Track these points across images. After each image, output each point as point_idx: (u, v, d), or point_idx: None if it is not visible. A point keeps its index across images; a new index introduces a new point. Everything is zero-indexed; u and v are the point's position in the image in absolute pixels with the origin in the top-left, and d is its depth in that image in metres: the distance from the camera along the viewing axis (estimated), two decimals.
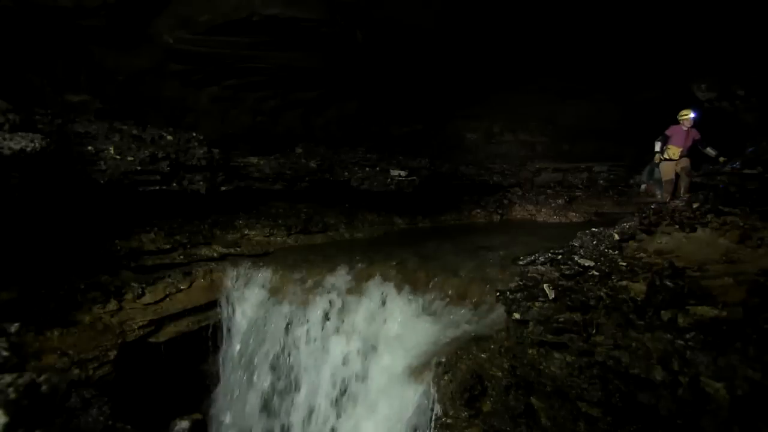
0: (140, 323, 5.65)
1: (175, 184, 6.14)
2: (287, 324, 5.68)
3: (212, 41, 6.47)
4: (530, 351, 3.31)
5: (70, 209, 5.43)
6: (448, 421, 3.51)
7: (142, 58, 6.63)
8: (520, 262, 4.62)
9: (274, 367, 5.65)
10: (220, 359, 6.27)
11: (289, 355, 5.56)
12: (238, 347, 6.09)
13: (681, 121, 6.56)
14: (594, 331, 3.01)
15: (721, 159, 6.13)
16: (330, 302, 5.53)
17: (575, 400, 2.88)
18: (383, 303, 5.24)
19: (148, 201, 6.18)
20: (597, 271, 3.68)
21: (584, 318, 3.11)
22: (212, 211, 7.29)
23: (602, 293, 3.25)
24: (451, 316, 4.70)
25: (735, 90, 6.23)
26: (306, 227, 8.00)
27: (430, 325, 4.70)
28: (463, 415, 3.45)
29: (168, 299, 6.03)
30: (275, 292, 6.07)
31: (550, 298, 3.42)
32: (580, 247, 4.33)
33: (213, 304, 6.37)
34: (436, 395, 3.71)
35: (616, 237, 4.33)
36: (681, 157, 6.56)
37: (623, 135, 9.42)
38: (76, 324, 5.09)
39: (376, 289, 5.42)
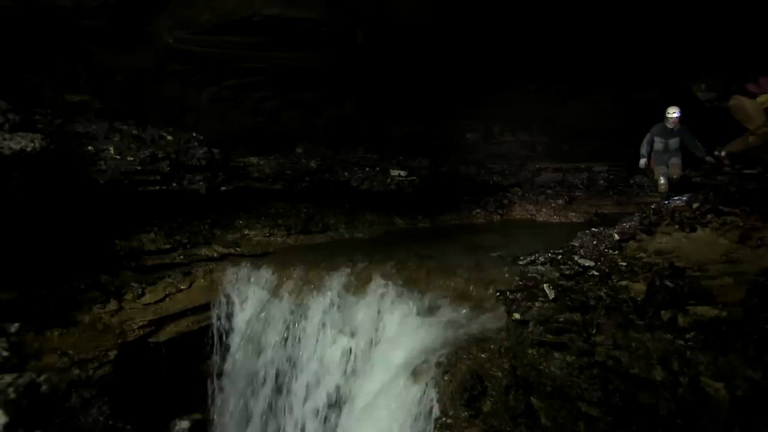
0: (140, 323, 5.66)
1: (175, 184, 6.14)
2: (287, 324, 5.69)
3: (212, 41, 6.47)
4: (530, 351, 3.31)
5: (70, 209, 5.43)
6: (448, 421, 3.51)
7: (142, 58, 6.63)
8: (520, 262, 4.61)
9: (273, 367, 5.65)
10: (220, 359, 6.27)
11: (287, 355, 5.56)
12: (237, 347, 6.09)
13: None
14: (594, 331, 3.01)
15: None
16: (330, 302, 5.53)
17: (575, 400, 2.88)
18: (383, 303, 5.23)
19: (148, 201, 6.18)
20: (597, 271, 3.68)
21: (584, 318, 3.11)
22: (212, 211, 7.29)
23: (602, 293, 3.25)
24: (451, 316, 4.70)
25: (735, 90, 6.22)
26: (306, 227, 7.99)
27: (429, 325, 4.69)
28: (463, 415, 3.45)
29: (168, 299, 6.03)
30: (275, 292, 6.07)
31: (550, 298, 3.42)
32: (580, 247, 4.32)
33: (213, 304, 6.37)
34: (435, 395, 3.71)
35: (616, 237, 4.32)
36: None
37: (623, 135, 9.38)
38: (76, 324, 5.10)
39: (375, 289, 5.41)
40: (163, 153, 5.94)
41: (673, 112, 6.44)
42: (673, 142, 6.58)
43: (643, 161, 6.83)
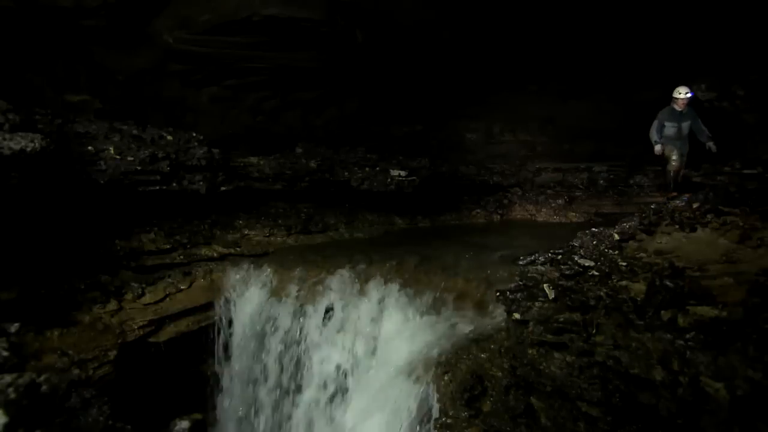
0: (140, 323, 5.65)
1: (175, 184, 6.13)
2: (287, 323, 5.68)
3: (212, 41, 6.47)
4: (530, 351, 3.31)
5: (69, 209, 5.43)
6: (448, 421, 3.51)
7: (142, 58, 6.63)
8: (520, 262, 4.61)
9: (273, 367, 5.65)
10: (220, 359, 6.27)
11: (288, 355, 5.56)
12: (238, 347, 6.09)
13: None
14: (594, 331, 3.01)
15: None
16: (330, 302, 5.53)
17: (575, 400, 2.88)
18: (383, 303, 5.24)
19: (148, 201, 6.17)
20: (597, 271, 3.68)
21: (584, 318, 3.11)
22: (212, 211, 7.28)
23: (602, 293, 3.25)
24: (451, 316, 4.70)
25: (735, 90, 6.22)
26: (306, 227, 7.99)
27: (429, 325, 4.69)
28: (463, 415, 3.45)
29: (168, 299, 6.03)
30: (275, 292, 6.07)
31: (550, 298, 3.43)
32: (580, 247, 4.33)
33: (213, 304, 6.37)
34: (435, 395, 3.71)
35: (616, 237, 4.33)
36: None
37: (623, 135, 9.40)
38: (76, 324, 5.09)
39: (375, 289, 5.41)
40: (163, 153, 5.92)
41: (685, 93, 6.22)
42: (686, 125, 6.44)
43: (658, 147, 6.60)
